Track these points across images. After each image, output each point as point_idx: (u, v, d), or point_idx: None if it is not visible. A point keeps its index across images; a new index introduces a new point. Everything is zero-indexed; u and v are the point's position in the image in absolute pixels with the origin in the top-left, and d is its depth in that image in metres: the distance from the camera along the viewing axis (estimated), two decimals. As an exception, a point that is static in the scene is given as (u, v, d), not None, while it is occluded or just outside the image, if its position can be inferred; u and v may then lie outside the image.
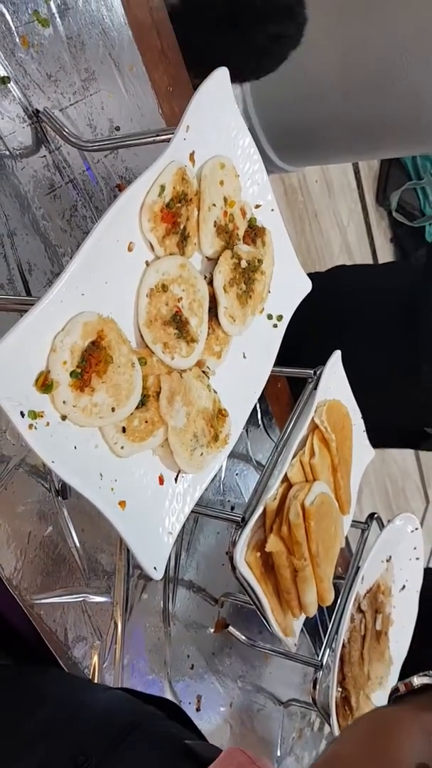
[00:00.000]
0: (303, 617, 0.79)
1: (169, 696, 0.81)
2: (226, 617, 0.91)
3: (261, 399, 0.97)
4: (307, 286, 0.69)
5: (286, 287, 0.66)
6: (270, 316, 0.65)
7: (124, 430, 0.50)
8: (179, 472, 0.54)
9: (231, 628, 0.91)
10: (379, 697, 1.03)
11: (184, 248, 0.54)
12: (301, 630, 0.84)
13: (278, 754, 1.10)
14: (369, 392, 0.88)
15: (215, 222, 0.57)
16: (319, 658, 0.87)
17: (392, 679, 1.06)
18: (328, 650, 0.88)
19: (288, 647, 0.77)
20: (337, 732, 0.90)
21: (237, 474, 0.95)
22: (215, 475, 0.71)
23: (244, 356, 0.62)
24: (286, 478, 0.73)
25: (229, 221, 0.58)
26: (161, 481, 0.54)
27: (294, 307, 0.68)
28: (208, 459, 0.55)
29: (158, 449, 0.53)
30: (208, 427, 0.55)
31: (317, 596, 0.76)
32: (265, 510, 0.69)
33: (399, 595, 1.10)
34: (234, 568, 0.67)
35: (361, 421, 0.90)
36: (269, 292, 0.63)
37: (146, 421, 0.51)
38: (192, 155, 0.55)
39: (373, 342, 1.01)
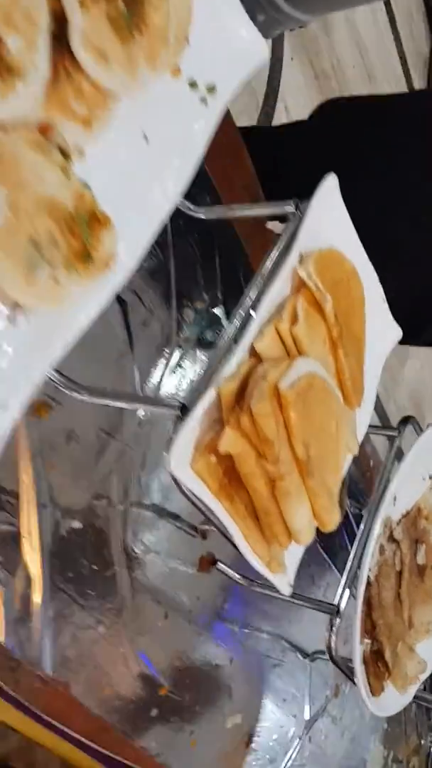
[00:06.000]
0: (300, 548, 0.58)
1: (132, 660, 0.63)
2: (212, 551, 0.71)
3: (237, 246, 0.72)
4: (262, 52, 0.45)
5: (222, 45, 0.43)
6: (194, 84, 0.41)
7: None
8: (15, 305, 0.32)
9: (220, 565, 0.71)
10: (425, 647, 0.81)
11: None
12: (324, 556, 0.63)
13: (306, 717, 0.91)
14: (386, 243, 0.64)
15: None
16: (336, 602, 0.66)
17: (444, 625, 0.84)
18: (347, 591, 0.67)
19: (279, 589, 0.56)
20: (365, 695, 0.69)
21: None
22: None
23: (146, 139, 0.39)
24: (254, 353, 0.51)
25: None
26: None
27: (239, 79, 0.44)
28: (69, 289, 0.33)
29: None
30: (65, 234, 0.33)
31: (314, 517, 0.54)
32: (220, 396, 0.48)
33: (450, 521, 0.87)
34: (175, 480, 0.46)
35: (378, 285, 0.65)
36: (187, 43, 0.40)
37: None
38: None
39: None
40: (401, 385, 2.72)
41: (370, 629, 0.71)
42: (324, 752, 0.95)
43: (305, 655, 0.89)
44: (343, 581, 0.67)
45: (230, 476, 0.50)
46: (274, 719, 0.84)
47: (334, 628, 0.66)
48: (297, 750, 0.87)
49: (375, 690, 0.71)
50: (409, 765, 1.24)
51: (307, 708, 0.90)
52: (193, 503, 0.48)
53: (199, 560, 0.70)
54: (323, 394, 0.53)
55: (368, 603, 0.70)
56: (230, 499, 0.50)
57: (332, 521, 0.55)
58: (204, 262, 0.65)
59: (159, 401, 0.48)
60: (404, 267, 0.80)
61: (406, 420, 0.76)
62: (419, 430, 0.76)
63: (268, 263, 0.52)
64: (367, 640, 0.71)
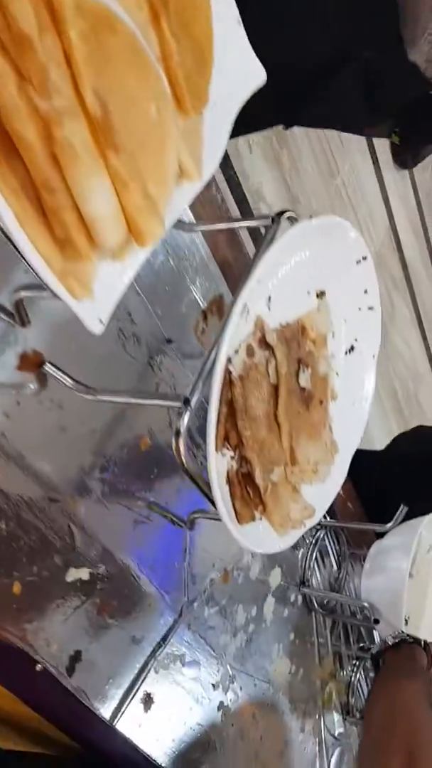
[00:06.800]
0: (118, 275, 0.45)
1: None
2: (40, 349, 0.58)
3: None
4: None
5: None
6: None
7: None
8: None
9: (49, 367, 0.57)
10: (313, 492, 0.69)
11: None
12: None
13: (186, 598, 0.77)
14: None
15: None
16: (188, 393, 0.54)
17: (336, 471, 0.72)
18: (200, 384, 0.54)
19: (86, 323, 0.43)
20: (226, 516, 0.56)
21: None
22: None
23: None
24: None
25: None
26: None
27: None
28: None
29: None
30: None
31: (126, 222, 0.41)
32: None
33: (345, 359, 0.76)
34: None
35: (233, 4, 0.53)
36: None
37: None
38: None
39: None
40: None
41: (236, 442, 0.58)
42: (211, 647, 0.81)
43: (182, 521, 0.75)
44: (197, 374, 0.55)
45: (-6, 131, 0.37)
46: (138, 589, 0.70)
47: (182, 425, 0.53)
48: (171, 634, 0.74)
49: (242, 517, 0.59)
50: (324, 689, 1.11)
51: (183, 585, 0.76)
52: None
53: (19, 358, 0.56)
54: (131, 52, 0.41)
55: (230, 406, 0.57)
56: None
57: (150, 230, 0.42)
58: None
59: None
60: (287, 35, 0.69)
61: (282, 212, 0.64)
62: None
63: None
64: (230, 453, 0.58)
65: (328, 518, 1.08)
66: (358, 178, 2.89)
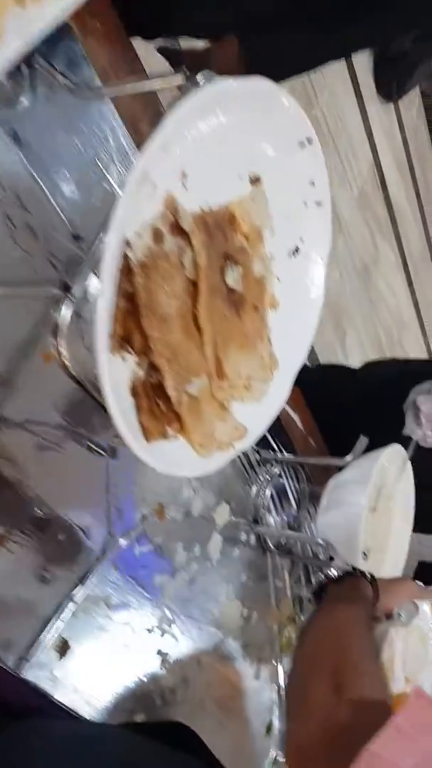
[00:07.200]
0: None
1: None
2: None
3: None
4: None
5: None
6: None
7: None
8: None
9: None
10: (247, 412, 0.60)
11: None
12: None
13: (110, 534, 0.69)
14: None
15: None
16: (78, 284, 0.44)
17: (276, 389, 0.63)
18: (88, 267, 0.44)
19: None
20: (125, 432, 0.46)
21: None
22: None
23: None
24: None
25: None
26: None
27: None
28: None
29: None
30: None
31: None
32: None
33: (288, 262, 0.65)
34: None
35: None
36: None
37: None
38: None
39: None
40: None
41: (141, 346, 0.49)
42: (143, 589, 0.73)
43: (102, 448, 0.66)
44: (85, 256, 0.45)
45: None
46: (48, 523, 0.61)
47: (61, 318, 0.43)
48: (91, 574, 0.65)
49: (149, 433, 0.49)
50: (282, 633, 1.05)
51: (104, 519, 0.67)
52: None
53: None
54: None
55: (133, 302, 0.47)
56: None
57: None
58: None
59: None
60: None
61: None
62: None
63: None
64: (134, 358, 0.49)
65: (285, 453, 0.99)
66: (340, 109, 2.72)
